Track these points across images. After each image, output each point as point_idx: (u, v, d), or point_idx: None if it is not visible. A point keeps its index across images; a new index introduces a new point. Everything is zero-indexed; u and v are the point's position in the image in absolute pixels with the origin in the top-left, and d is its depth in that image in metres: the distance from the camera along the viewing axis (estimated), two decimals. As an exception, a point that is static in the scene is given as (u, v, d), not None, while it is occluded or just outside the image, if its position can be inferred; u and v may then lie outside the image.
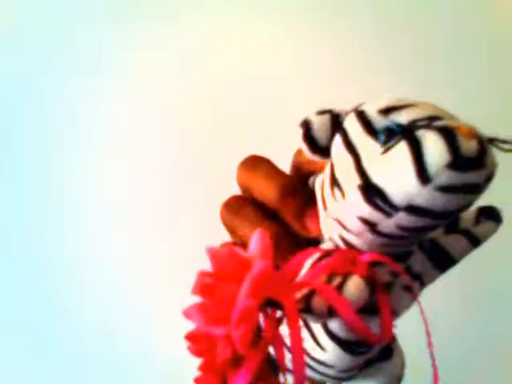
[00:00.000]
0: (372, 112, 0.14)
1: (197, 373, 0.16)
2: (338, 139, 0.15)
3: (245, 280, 0.13)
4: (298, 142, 0.15)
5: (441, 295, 0.54)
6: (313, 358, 0.18)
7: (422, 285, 0.18)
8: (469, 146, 0.12)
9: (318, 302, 0.13)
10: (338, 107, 0.17)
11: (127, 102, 0.63)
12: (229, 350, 0.13)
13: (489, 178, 0.13)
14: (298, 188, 0.19)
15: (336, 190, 0.15)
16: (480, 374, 0.57)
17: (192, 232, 0.61)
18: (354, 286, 0.13)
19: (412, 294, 0.17)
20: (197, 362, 0.18)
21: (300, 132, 0.15)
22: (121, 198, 0.64)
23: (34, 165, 0.65)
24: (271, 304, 0.13)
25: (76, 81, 0.63)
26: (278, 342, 0.13)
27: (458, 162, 0.12)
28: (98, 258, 0.65)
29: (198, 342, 0.14)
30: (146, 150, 0.64)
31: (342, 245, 0.16)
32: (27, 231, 0.66)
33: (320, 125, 0.15)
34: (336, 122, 0.15)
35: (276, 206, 0.19)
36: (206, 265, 0.17)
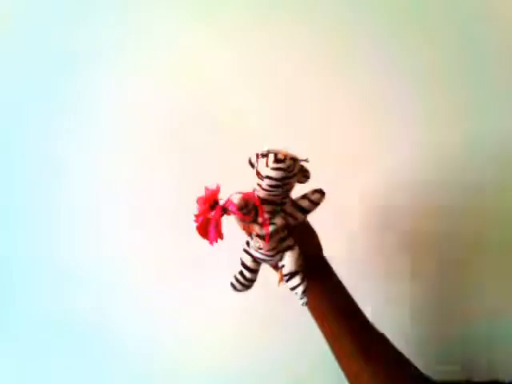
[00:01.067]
0: (261, 151, 0.38)
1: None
2: (256, 163, 0.39)
3: (206, 196, 0.38)
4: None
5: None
6: (259, 248, 0.41)
7: (296, 219, 0.41)
8: (280, 156, 0.36)
9: (228, 203, 0.37)
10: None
11: (132, 101, 0.65)
12: (205, 218, 0.38)
13: (288, 167, 0.37)
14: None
15: (256, 177, 0.39)
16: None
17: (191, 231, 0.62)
18: (236, 198, 0.37)
19: (294, 219, 0.41)
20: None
21: (248, 162, 0.40)
22: (121, 197, 0.66)
23: (35, 165, 0.67)
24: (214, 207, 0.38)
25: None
26: (216, 219, 0.38)
27: (275, 159, 0.36)
28: (98, 257, 0.66)
29: (197, 220, 0.38)
30: (145, 151, 0.65)
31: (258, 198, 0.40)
32: (28, 231, 0.67)
33: (253, 158, 0.40)
34: (257, 158, 0.39)
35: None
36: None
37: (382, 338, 0.44)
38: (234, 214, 0.37)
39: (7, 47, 0.66)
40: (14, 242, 0.67)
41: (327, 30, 0.61)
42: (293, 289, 0.40)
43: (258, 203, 0.38)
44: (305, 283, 0.40)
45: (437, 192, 0.59)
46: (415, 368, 0.44)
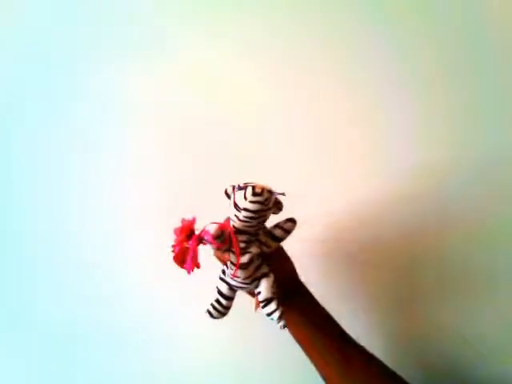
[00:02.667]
0: (238, 184, 0.39)
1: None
2: (232, 194, 0.40)
3: (183, 226, 0.39)
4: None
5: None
6: (234, 275, 0.42)
7: (269, 247, 0.43)
8: (258, 189, 0.37)
9: (204, 233, 0.38)
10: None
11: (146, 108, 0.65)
12: (182, 248, 0.39)
13: (265, 200, 0.38)
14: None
15: (233, 209, 0.39)
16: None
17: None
18: (212, 228, 0.38)
19: (267, 247, 0.43)
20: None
21: (225, 194, 0.41)
22: (126, 198, 0.66)
23: (40, 165, 0.67)
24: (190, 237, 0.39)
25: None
26: (193, 248, 0.39)
27: (253, 192, 0.38)
28: (102, 257, 0.66)
29: (174, 250, 0.39)
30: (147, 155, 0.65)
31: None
32: (34, 231, 0.67)
33: (229, 189, 0.40)
34: (233, 190, 0.39)
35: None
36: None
37: (362, 349, 0.46)
38: (210, 242, 0.38)
39: (7, 47, 0.67)
40: (30, 241, 0.67)
41: (327, 30, 0.61)
42: (269, 315, 0.41)
43: (232, 233, 0.39)
44: (281, 309, 0.41)
45: (437, 193, 0.59)
46: (393, 372, 0.45)
